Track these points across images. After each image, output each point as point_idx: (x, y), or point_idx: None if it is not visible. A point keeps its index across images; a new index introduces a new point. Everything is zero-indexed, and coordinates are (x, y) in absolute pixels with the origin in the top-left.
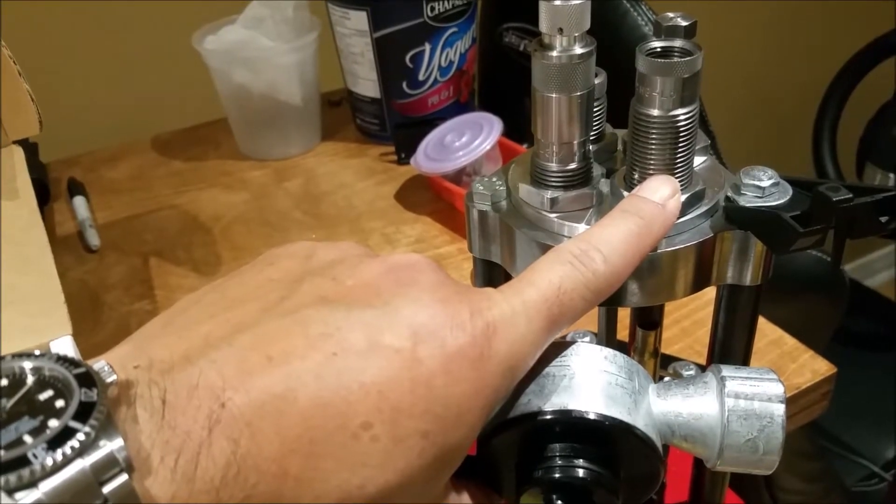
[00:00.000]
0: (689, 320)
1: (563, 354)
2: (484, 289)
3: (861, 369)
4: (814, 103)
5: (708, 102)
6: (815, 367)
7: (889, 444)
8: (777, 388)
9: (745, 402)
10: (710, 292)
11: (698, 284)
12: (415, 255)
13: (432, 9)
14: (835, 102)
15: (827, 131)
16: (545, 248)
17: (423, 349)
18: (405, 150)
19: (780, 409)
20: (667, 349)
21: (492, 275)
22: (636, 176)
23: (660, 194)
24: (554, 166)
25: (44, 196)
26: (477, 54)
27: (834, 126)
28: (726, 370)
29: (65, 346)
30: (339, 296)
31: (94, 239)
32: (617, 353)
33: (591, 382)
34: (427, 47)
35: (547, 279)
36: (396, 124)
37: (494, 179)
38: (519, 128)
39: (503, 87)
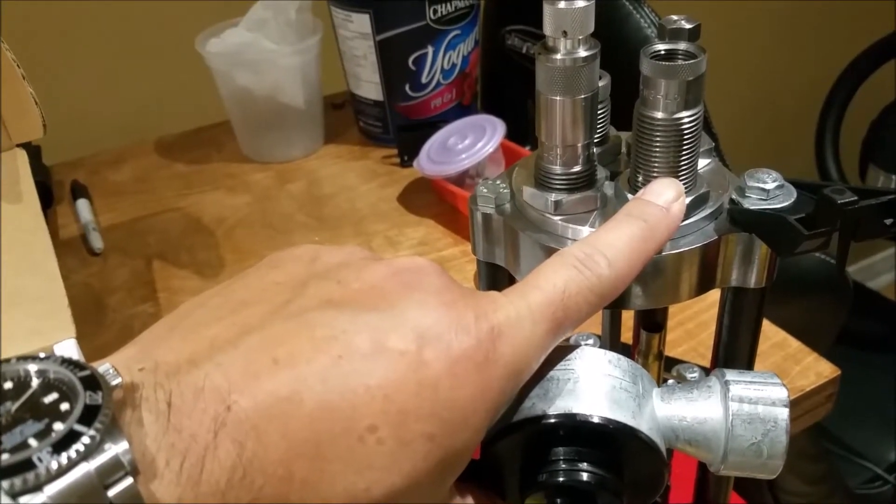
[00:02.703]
0: (694, 322)
1: (567, 358)
2: (489, 292)
3: (864, 371)
4: (816, 104)
5: (710, 103)
6: (819, 370)
7: (892, 446)
8: (781, 392)
9: (748, 406)
10: (714, 294)
11: (703, 287)
12: (420, 259)
13: (435, 11)
14: (838, 104)
15: (830, 133)
16: (549, 251)
17: (429, 352)
18: (408, 153)
19: (783, 413)
20: (671, 351)
21: (496, 278)
22: (640, 179)
23: (664, 198)
24: (558, 169)
25: (47, 199)
26: (480, 57)
27: (837, 127)
28: (730, 374)
29: (68, 348)
30: (344, 299)
31: (97, 242)
32: (621, 356)
33: (595, 386)
34: (430, 50)
35: (552, 283)
36: (399, 127)
37: (498, 182)
38: (522, 130)
39: (506, 90)
